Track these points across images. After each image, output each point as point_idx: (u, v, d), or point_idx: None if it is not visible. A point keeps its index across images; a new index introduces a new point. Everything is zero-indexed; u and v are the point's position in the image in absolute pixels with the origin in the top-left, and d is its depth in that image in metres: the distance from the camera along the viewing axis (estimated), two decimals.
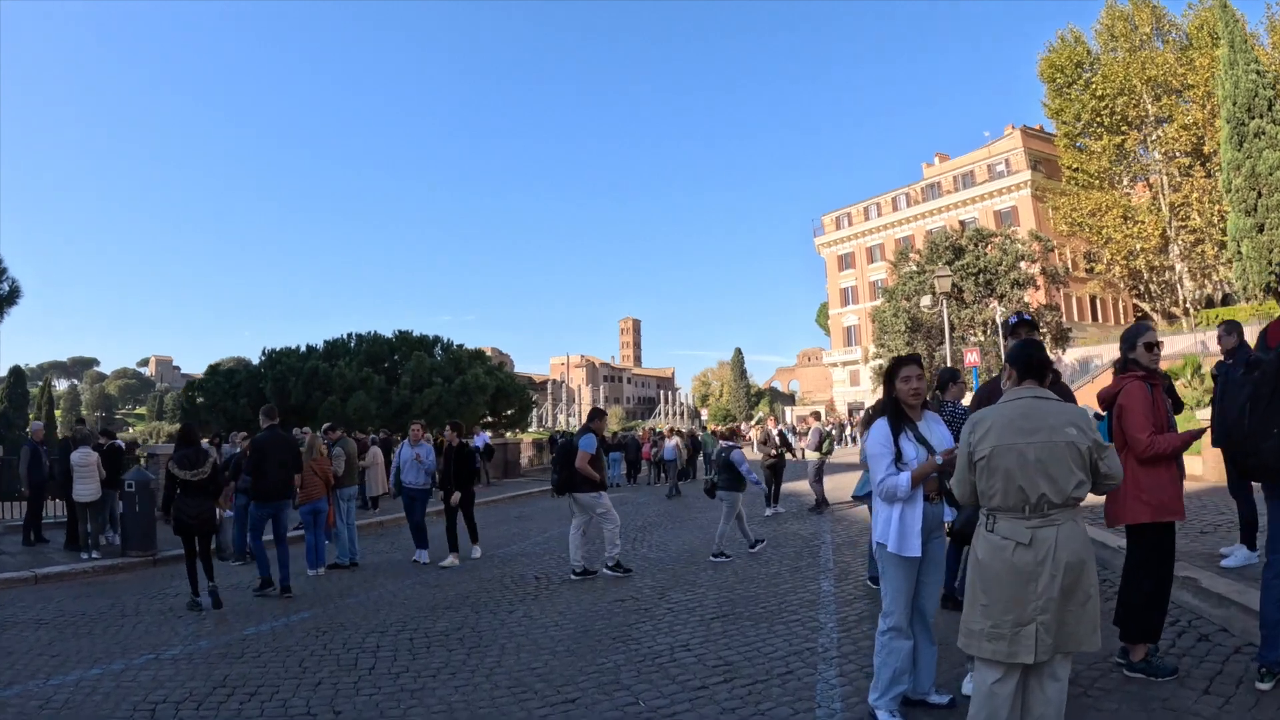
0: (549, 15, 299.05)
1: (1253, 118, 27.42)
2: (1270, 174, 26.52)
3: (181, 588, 8.68)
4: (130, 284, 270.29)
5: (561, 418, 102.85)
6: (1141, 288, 45.96)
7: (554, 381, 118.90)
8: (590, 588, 8.26)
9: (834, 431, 43.49)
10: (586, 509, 8.93)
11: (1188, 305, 43.85)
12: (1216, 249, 41.69)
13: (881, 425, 3.92)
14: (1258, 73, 28.06)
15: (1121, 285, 47.76)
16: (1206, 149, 41.26)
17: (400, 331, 32.85)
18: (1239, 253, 27.32)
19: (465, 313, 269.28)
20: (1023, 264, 38.78)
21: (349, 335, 32.18)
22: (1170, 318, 44.57)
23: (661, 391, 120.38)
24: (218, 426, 26.41)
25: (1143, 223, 42.79)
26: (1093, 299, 51.35)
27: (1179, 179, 42.90)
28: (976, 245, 39.51)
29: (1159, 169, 44.04)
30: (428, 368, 30.02)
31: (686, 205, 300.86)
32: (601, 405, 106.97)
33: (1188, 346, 30.74)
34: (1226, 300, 44.55)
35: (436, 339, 33.45)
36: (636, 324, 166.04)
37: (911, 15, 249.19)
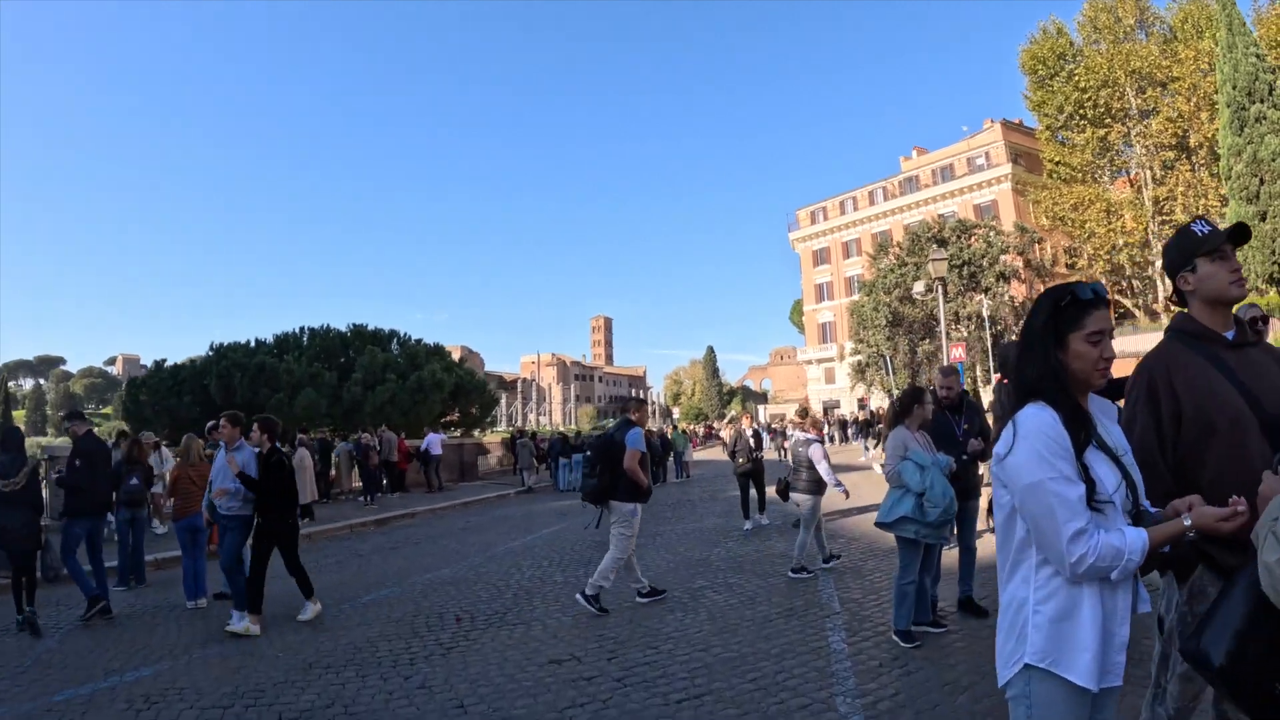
0: (522, 17, 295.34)
1: (1254, 102, 26.11)
2: (1273, 160, 25.21)
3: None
4: (100, 282, 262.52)
5: (532, 417, 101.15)
6: (1124, 284, 44.94)
7: (524, 380, 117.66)
8: (521, 639, 6.30)
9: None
10: (615, 518, 7.22)
11: (1169, 302, 42.78)
12: None
13: (1048, 422, 1.92)
14: (1258, 56, 26.75)
15: (1103, 281, 46.63)
16: (1193, 142, 40.23)
17: (355, 325, 30.84)
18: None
19: (438, 311, 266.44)
20: (1004, 257, 37.43)
21: (301, 329, 30.24)
22: (1153, 314, 43.58)
23: (633, 390, 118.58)
24: (161, 427, 24.37)
25: (1126, 217, 41.70)
26: None
27: (1162, 173, 41.85)
28: (960, 237, 38.08)
29: (1143, 163, 42.99)
30: (381, 363, 28.05)
31: (660, 203, 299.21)
32: (571, 404, 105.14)
33: None
34: None
35: (393, 333, 31.58)
36: (608, 322, 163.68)
37: (889, 10, 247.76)
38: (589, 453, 7.39)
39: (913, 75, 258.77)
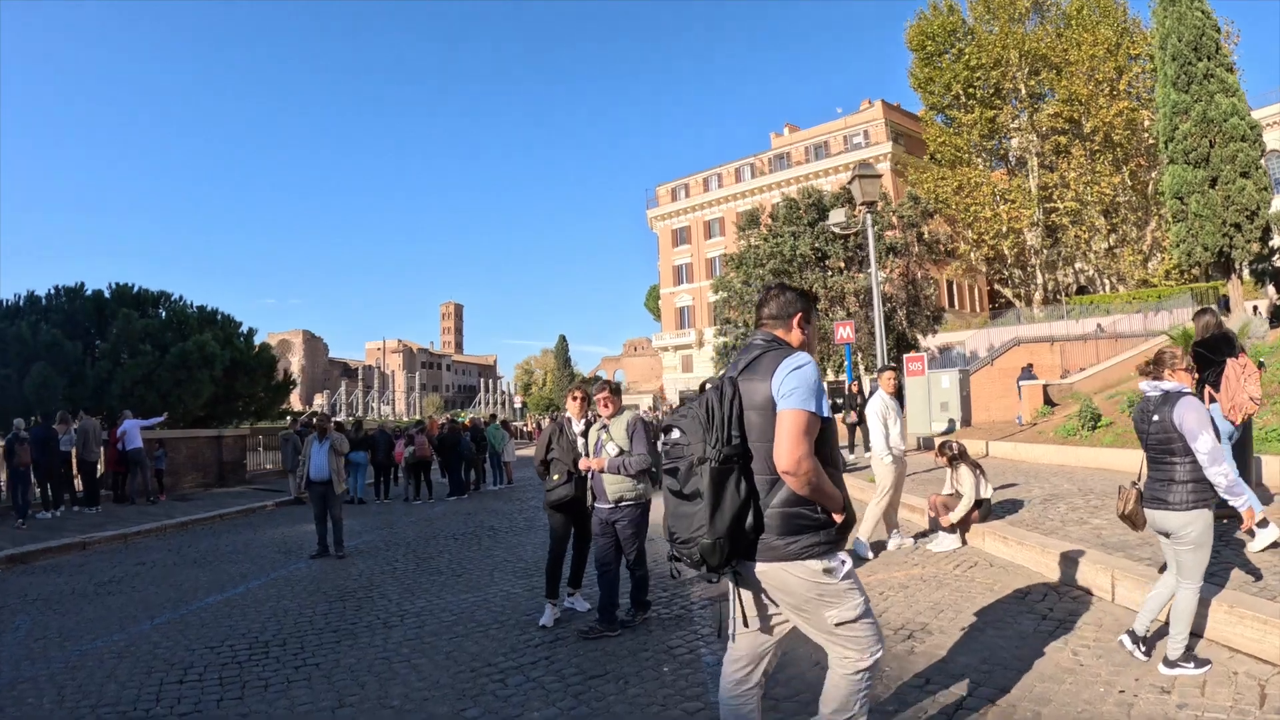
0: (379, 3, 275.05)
1: (1200, 59, 22.50)
2: (1224, 121, 21.61)
3: None
4: None
5: (374, 404, 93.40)
6: (1006, 273, 42.30)
7: (366, 367, 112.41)
8: None
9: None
10: (794, 606, 2.66)
11: (1058, 293, 40.55)
12: (1089, 233, 38.41)
13: None
14: (1203, 12, 23.12)
15: (982, 269, 44.02)
16: (1087, 127, 37.60)
17: (118, 285, 23.45)
18: (1182, 211, 22.14)
19: (290, 297, 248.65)
20: (889, 232, 33.05)
21: (56, 289, 22.93)
22: (1029, 303, 41.24)
23: (483, 379, 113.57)
24: None
25: (1014, 202, 38.79)
26: (949, 284, 47.34)
27: (1053, 158, 39.19)
28: (844, 206, 33.26)
29: (1030, 148, 40.32)
30: (139, 331, 21.20)
31: (515, 188, 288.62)
32: (416, 393, 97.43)
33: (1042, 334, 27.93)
34: (1083, 290, 41.76)
35: (162, 295, 24.38)
36: (459, 309, 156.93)
37: None
38: (676, 435, 2.66)
39: (787, 55, 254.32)
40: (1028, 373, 20.72)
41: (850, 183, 13.26)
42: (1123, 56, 37.96)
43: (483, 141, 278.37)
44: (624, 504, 5.26)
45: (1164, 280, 36.97)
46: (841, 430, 21.77)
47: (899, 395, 13.77)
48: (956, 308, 47.87)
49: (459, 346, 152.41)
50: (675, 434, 2.65)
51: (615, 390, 5.58)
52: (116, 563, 9.58)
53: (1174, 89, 22.66)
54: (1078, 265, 41.58)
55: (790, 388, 2.55)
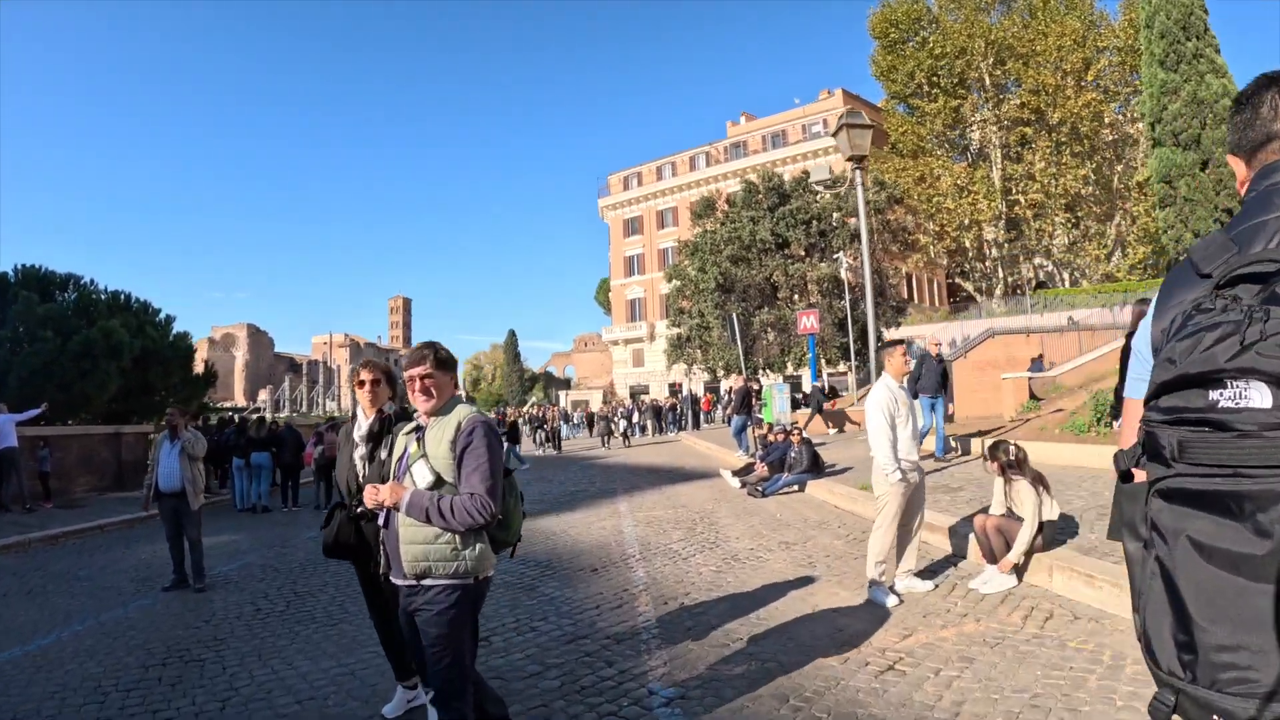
0: None
1: (1189, 38, 21.24)
2: (1215, 102, 20.35)
3: None
4: None
5: (319, 399, 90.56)
6: (967, 266, 41.23)
7: (313, 362, 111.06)
8: None
9: (630, 415, 34.11)
10: None
11: (1018, 287, 39.58)
12: (1052, 226, 37.49)
13: None
14: None
15: (943, 262, 42.93)
16: (1054, 118, 36.55)
17: (23, 267, 21.25)
18: (1171, 195, 20.87)
19: (238, 290, 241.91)
20: (852, 220, 31.53)
21: None
22: (991, 299, 40.32)
23: None
24: None
25: (976, 193, 37.65)
26: (909, 277, 46.24)
27: (1019, 149, 38.11)
28: (805, 190, 31.58)
29: (994, 140, 39.26)
30: (39, 317, 18.96)
31: (466, 182, 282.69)
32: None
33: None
34: (1042, 285, 40.97)
35: (71, 278, 22.09)
36: (407, 303, 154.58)
37: None
38: (1253, 401, 0.98)
39: (744, 45, 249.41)
40: (1038, 364, 19.52)
41: (836, 134, 11.29)
42: (1090, 48, 37.07)
43: (433, 133, 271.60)
44: (429, 584, 2.73)
45: (1128, 275, 36.12)
46: (818, 427, 20.08)
47: (918, 382, 11.64)
48: (917, 301, 46.71)
49: (407, 341, 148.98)
50: (1252, 397, 0.99)
51: (443, 364, 2.98)
52: None
53: (1162, 68, 21.43)
54: (1037, 260, 40.73)
55: None
